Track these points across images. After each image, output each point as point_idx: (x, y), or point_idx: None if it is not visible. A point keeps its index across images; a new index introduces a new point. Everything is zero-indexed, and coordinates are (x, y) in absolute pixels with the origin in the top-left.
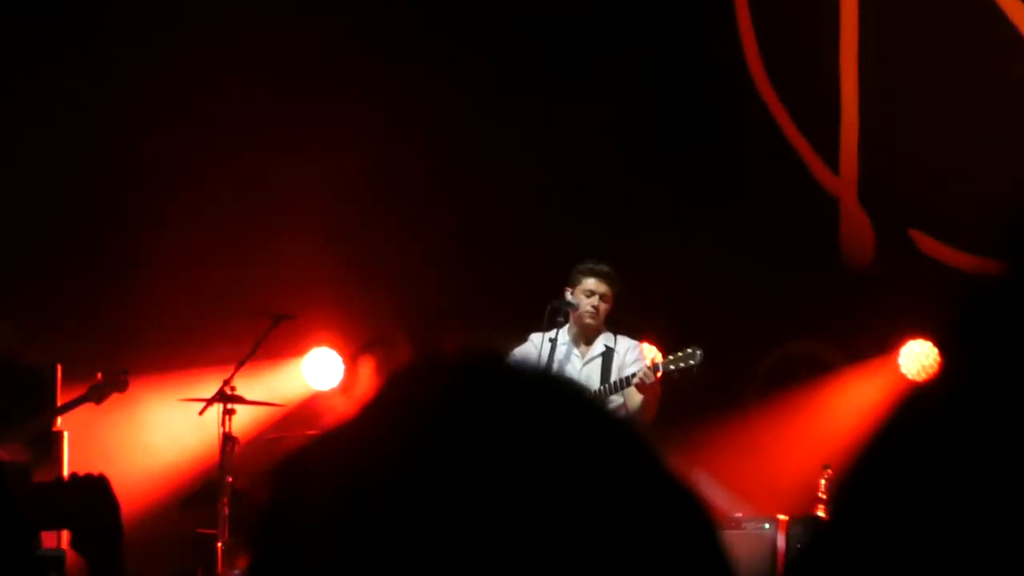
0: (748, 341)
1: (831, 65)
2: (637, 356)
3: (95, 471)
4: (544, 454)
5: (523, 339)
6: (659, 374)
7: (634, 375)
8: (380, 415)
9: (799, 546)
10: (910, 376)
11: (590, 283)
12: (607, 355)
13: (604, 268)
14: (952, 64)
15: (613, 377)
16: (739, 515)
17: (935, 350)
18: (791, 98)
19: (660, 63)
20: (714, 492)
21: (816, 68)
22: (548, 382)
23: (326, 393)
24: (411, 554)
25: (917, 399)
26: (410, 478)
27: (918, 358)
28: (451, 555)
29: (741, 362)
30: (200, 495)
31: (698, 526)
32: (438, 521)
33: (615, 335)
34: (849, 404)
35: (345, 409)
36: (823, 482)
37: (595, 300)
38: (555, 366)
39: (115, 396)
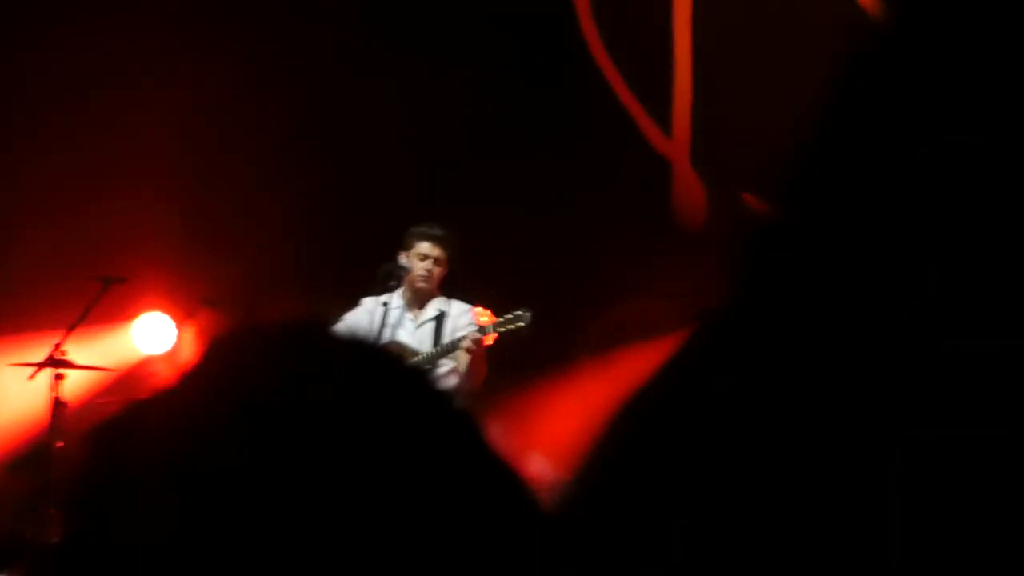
0: (581, 303)
1: (665, 28)
2: (469, 320)
3: None
4: (358, 421)
5: (356, 304)
6: (488, 337)
7: (464, 338)
8: (200, 382)
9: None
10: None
11: (423, 247)
12: (440, 319)
13: (437, 232)
14: (784, 28)
15: (445, 340)
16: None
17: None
18: (625, 61)
19: (496, 29)
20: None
21: (650, 31)
22: (366, 350)
23: (158, 358)
24: (227, 519)
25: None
26: (228, 445)
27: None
28: (266, 520)
29: (573, 324)
30: (29, 459)
31: (512, 494)
32: (252, 488)
33: (449, 299)
34: None
35: (167, 375)
36: None
37: (428, 264)
38: (387, 330)
39: None
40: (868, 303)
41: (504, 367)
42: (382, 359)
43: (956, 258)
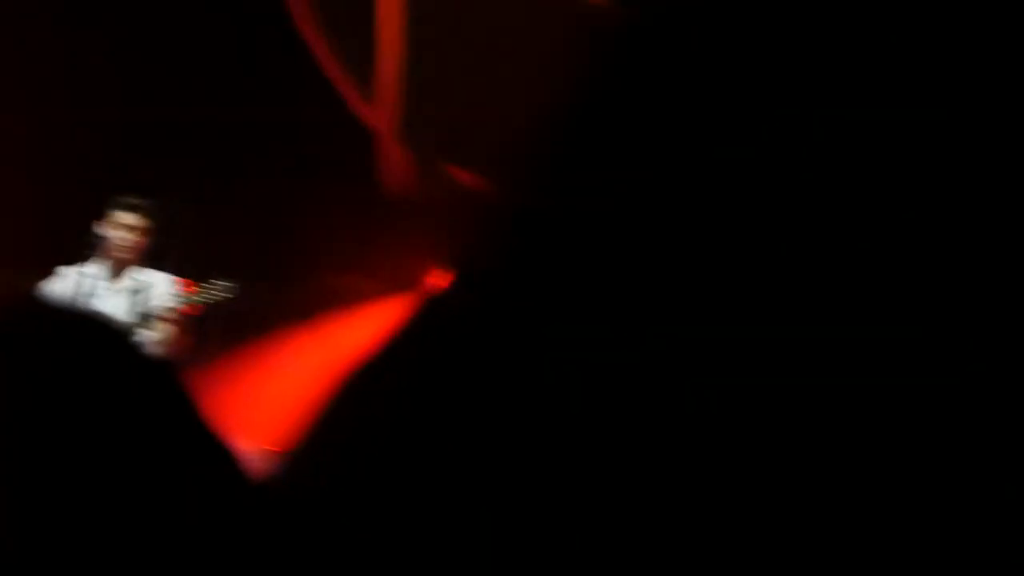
0: (282, 273)
1: None
2: (169, 290)
3: None
4: (65, 389)
5: (54, 273)
6: (188, 307)
7: (162, 308)
8: None
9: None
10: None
11: (123, 216)
12: (139, 288)
13: (138, 201)
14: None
15: (143, 309)
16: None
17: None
18: (332, 31)
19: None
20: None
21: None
22: (71, 319)
23: None
24: None
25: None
26: None
27: None
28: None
29: (273, 294)
30: None
31: (223, 465)
32: None
33: (150, 269)
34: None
35: None
36: None
37: (127, 233)
38: (85, 300)
39: None
40: (595, 290)
41: (208, 338)
42: (88, 325)
43: (693, 244)
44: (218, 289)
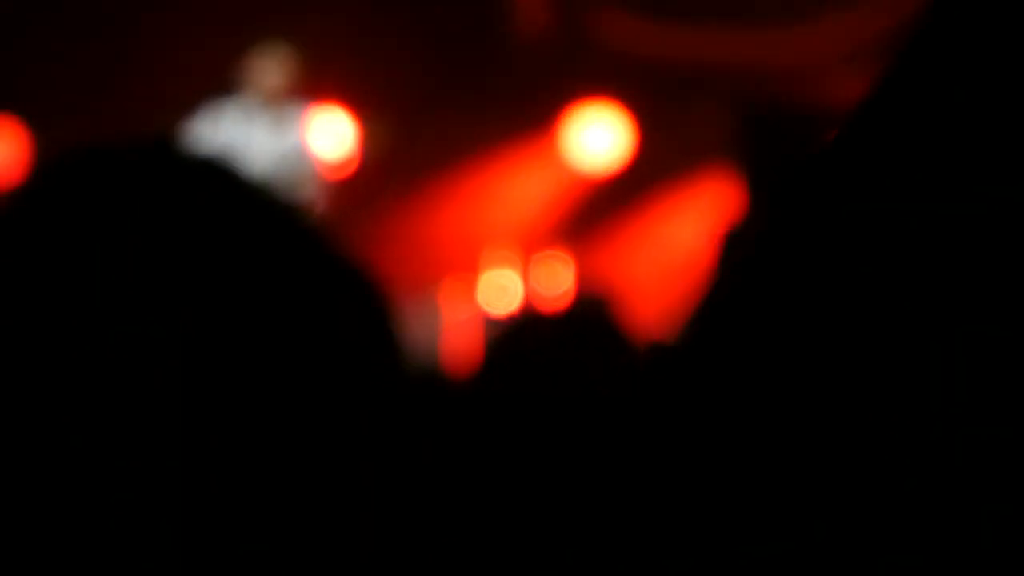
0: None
1: None
2: (324, 131)
3: None
4: (213, 241)
5: (197, 114)
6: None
7: (317, 153)
8: (32, 209)
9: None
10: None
11: (271, 53)
12: (289, 130)
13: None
14: None
15: (292, 153)
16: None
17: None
18: None
19: None
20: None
21: None
22: (208, 165)
23: None
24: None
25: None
26: (66, 278)
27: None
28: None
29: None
30: None
31: (368, 304)
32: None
33: (300, 107)
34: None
35: None
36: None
37: (275, 70)
38: (228, 143)
39: None
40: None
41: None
42: (238, 176)
43: None
44: (379, 129)
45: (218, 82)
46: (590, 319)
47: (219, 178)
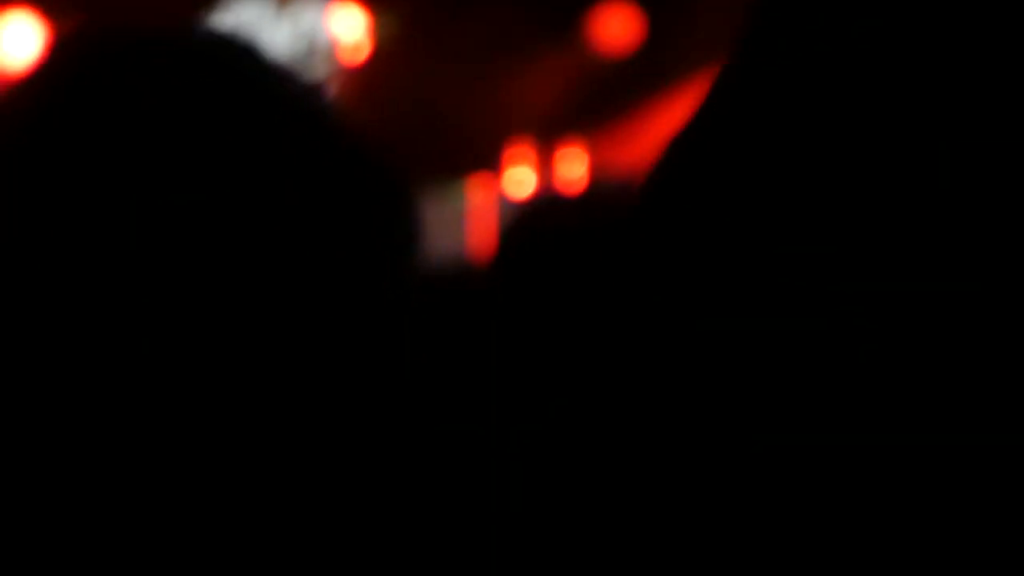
0: None
1: None
2: (342, 19)
3: None
4: (229, 124)
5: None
6: (360, 37)
7: (335, 38)
8: (44, 90)
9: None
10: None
11: None
12: (306, 17)
13: None
14: None
15: (310, 40)
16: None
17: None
18: None
19: None
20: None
21: None
22: (221, 52)
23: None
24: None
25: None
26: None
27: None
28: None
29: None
30: None
31: (385, 192)
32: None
33: None
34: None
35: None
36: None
37: None
38: (242, 30)
39: None
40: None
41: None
42: (259, 62)
43: None
44: (389, 19)
45: None
46: (605, 202)
47: (237, 60)
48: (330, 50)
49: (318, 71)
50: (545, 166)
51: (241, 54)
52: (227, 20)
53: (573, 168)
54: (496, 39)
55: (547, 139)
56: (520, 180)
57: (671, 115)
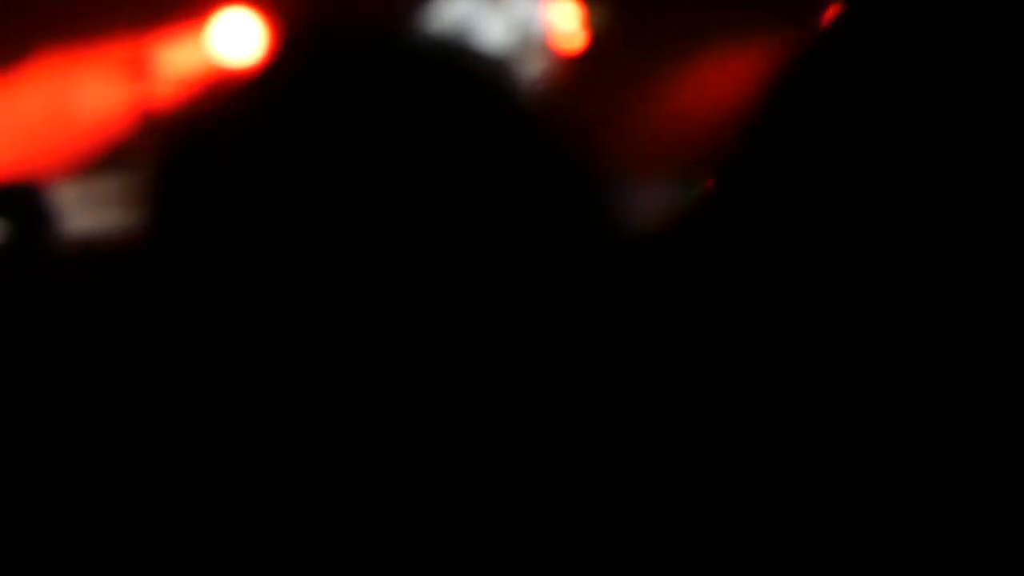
0: None
1: None
2: (557, 12)
3: None
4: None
5: None
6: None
7: (550, 33)
8: (276, 89)
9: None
10: None
11: None
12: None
13: None
14: None
15: (525, 35)
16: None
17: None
18: None
19: None
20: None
21: None
22: (431, 51)
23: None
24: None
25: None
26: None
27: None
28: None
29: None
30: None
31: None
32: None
33: None
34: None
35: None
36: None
37: None
38: (454, 26)
39: None
40: None
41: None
42: (450, 58)
43: None
44: (602, 11)
45: None
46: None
47: (454, 60)
48: (544, 42)
49: (533, 63)
50: None
51: (457, 55)
52: (444, 13)
53: None
54: (711, 29)
55: None
56: None
57: None
